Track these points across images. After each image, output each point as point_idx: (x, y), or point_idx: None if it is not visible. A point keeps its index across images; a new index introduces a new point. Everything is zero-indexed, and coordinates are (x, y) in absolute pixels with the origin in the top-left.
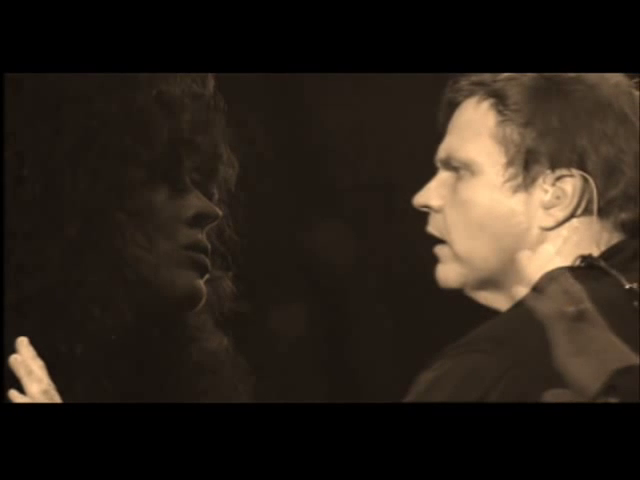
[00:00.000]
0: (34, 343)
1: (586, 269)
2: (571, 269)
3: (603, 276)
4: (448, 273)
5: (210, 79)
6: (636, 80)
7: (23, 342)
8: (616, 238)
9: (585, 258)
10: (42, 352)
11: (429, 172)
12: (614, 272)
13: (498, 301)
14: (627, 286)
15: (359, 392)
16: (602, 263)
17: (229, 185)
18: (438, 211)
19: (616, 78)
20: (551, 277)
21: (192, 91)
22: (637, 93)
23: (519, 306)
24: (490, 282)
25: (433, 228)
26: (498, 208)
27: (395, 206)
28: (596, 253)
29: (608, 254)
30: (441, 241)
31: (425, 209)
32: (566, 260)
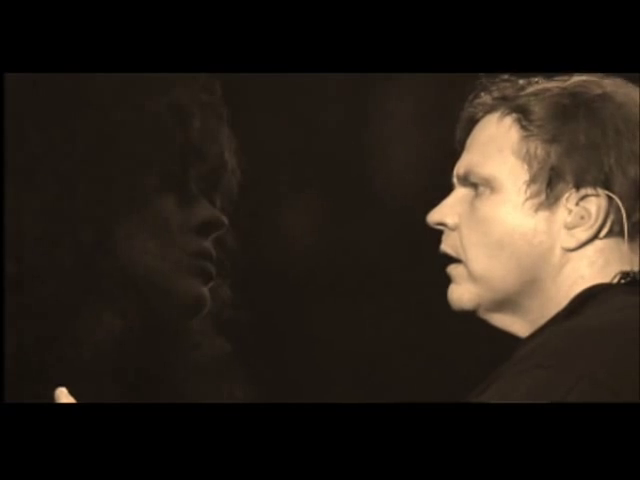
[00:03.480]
0: (41, 347)
1: (628, 285)
2: (612, 285)
3: None
4: (463, 294)
5: (217, 87)
6: None
7: (63, 392)
8: None
9: (627, 274)
10: (49, 356)
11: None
12: None
13: (513, 324)
14: None
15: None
16: None
17: (231, 193)
18: (453, 229)
19: None
20: (591, 293)
21: (201, 99)
22: None
23: (565, 321)
24: (506, 304)
25: (447, 246)
26: (519, 227)
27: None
28: None
29: None
30: (455, 260)
31: (439, 227)
32: (593, 282)
